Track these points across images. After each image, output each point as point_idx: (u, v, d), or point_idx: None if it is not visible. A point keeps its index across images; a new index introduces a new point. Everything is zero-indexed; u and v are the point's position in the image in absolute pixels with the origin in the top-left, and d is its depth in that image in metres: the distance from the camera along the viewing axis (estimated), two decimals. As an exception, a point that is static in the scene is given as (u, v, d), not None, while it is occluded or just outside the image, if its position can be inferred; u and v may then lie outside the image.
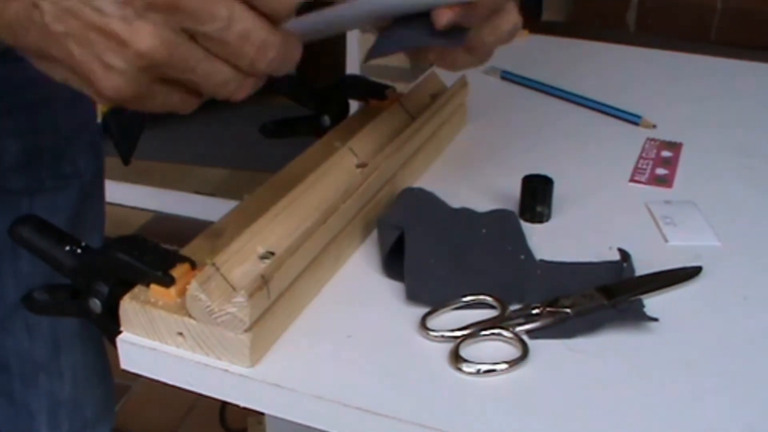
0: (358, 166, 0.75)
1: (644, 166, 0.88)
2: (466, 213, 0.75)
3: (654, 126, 0.97)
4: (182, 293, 0.58)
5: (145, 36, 0.51)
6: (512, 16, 0.67)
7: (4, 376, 0.92)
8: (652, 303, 0.66)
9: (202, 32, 0.52)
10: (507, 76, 1.09)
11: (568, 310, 0.64)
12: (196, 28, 0.52)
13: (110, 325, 0.61)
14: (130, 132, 0.88)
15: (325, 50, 1.19)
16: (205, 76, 0.54)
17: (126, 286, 0.60)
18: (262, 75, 0.56)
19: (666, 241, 0.74)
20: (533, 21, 1.67)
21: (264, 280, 0.58)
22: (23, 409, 0.95)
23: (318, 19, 0.64)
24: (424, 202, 0.73)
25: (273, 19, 0.53)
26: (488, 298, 0.65)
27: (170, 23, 0.51)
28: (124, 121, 0.87)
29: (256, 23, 0.53)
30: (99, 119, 0.95)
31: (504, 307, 0.64)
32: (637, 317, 0.64)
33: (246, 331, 0.57)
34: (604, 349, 0.61)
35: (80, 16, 0.51)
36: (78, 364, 0.98)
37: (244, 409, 0.60)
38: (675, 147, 0.92)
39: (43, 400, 0.95)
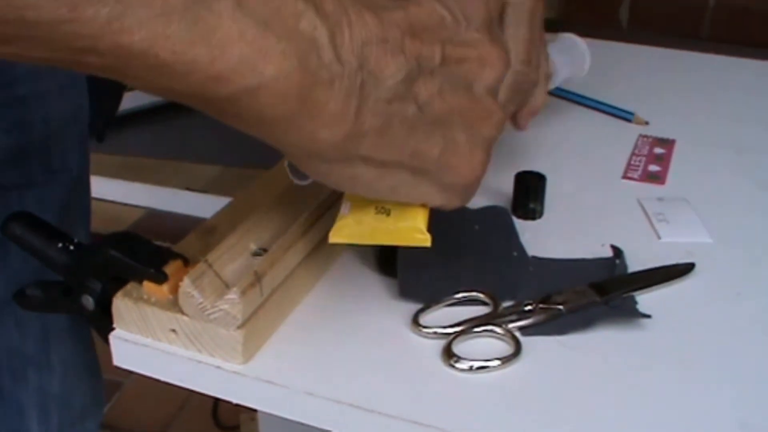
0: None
1: (637, 163, 0.88)
2: (458, 209, 0.75)
3: (646, 123, 0.97)
4: (175, 290, 0.58)
5: (498, 108, 0.56)
6: (542, 96, 0.75)
7: (-7, 371, 0.92)
8: (645, 300, 0.66)
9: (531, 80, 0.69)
10: (500, 73, 1.09)
11: (560, 307, 0.64)
12: (527, 80, 0.69)
13: (103, 322, 0.61)
14: (107, 108, 0.88)
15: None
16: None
17: (119, 283, 0.60)
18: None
19: (659, 237, 0.75)
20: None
21: (257, 277, 0.58)
22: (13, 403, 0.94)
23: None
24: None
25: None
26: (481, 295, 0.65)
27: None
28: (103, 98, 0.86)
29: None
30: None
31: (497, 303, 0.64)
32: (630, 314, 0.64)
33: (239, 327, 0.57)
34: (596, 346, 0.62)
35: (447, 95, 0.53)
36: (67, 358, 0.98)
37: (237, 405, 0.60)
38: (668, 144, 0.92)
39: (33, 395, 0.95)
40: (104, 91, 0.87)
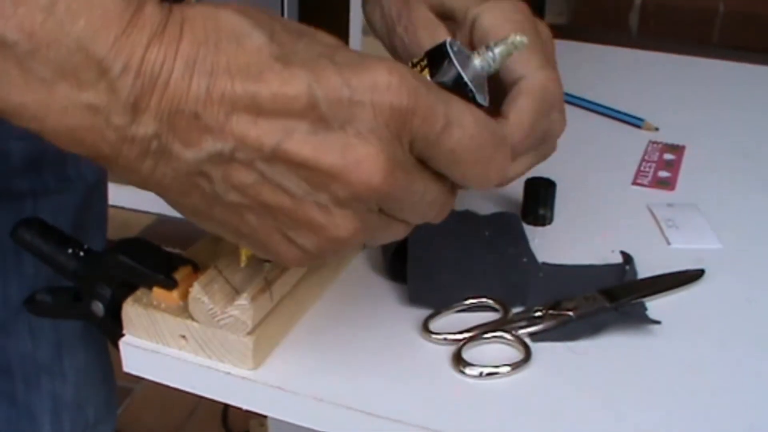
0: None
1: (647, 169, 0.88)
2: (468, 216, 0.75)
3: (656, 129, 0.97)
4: (185, 296, 0.58)
5: (346, 224, 0.48)
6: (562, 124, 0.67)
7: (6, 378, 0.92)
8: (655, 306, 0.65)
9: (396, 207, 0.50)
10: (509, 79, 1.09)
11: (570, 313, 0.64)
12: (393, 207, 0.49)
13: (113, 328, 0.61)
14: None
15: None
16: (381, 239, 0.53)
17: (128, 289, 0.60)
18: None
19: (668, 243, 0.74)
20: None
21: (267, 283, 0.58)
22: (26, 411, 0.94)
23: None
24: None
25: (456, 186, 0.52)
26: (491, 301, 0.65)
27: (371, 207, 0.48)
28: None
29: (442, 189, 0.51)
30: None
31: (506, 309, 0.64)
32: (640, 320, 0.64)
33: (249, 333, 0.57)
34: (606, 352, 0.61)
35: (263, 194, 0.47)
36: (81, 366, 0.98)
37: (247, 411, 0.60)
38: (677, 150, 0.92)
39: (46, 403, 0.95)
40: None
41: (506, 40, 0.53)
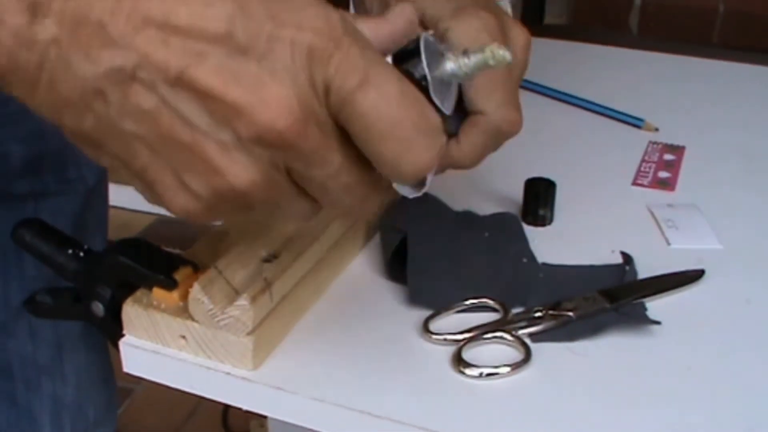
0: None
1: (647, 170, 0.88)
2: (468, 216, 0.75)
3: (656, 129, 0.97)
4: (185, 296, 0.58)
5: (245, 171, 0.44)
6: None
7: (7, 379, 0.92)
8: (655, 306, 0.65)
9: (307, 175, 0.46)
10: (509, 80, 1.09)
11: (570, 314, 0.64)
12: (301, 169, 0.46)
13: (113, 329, 0.61)
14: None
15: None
16: (285, 210, 0.49)
17: (129, 290, 0.61)
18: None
19: (668, 244, 0.74)
20: (535, 24, 1.67)
21: (267, 284, 0.58)
22: (26, 412, 0.94)
23: None
24: (426, 205, 0.73)
25: (379, 176, 0.48)
26: (491, 302, 0.65)
27: (275, 160, 0.45)
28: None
29: (362, 177, 0.47)
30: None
31: (506, 310, 0.64)
32: (640, 320, 0.64)
33: (249, 334, 0.57)
34: (606, 353, 0.61)
35: (161, 123, 0.43)
36: (81, 367, 0.98)
37: (247, 412, 0.60)
38: (677, 150, 0.92)
39: (46, 404, 0.95)
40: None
41: (485, 49, 0.50)
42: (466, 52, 0.50)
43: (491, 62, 0.50)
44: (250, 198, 0.46)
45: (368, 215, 0.50)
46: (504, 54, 0.50)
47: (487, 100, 0.61)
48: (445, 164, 0.64)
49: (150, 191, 0.48)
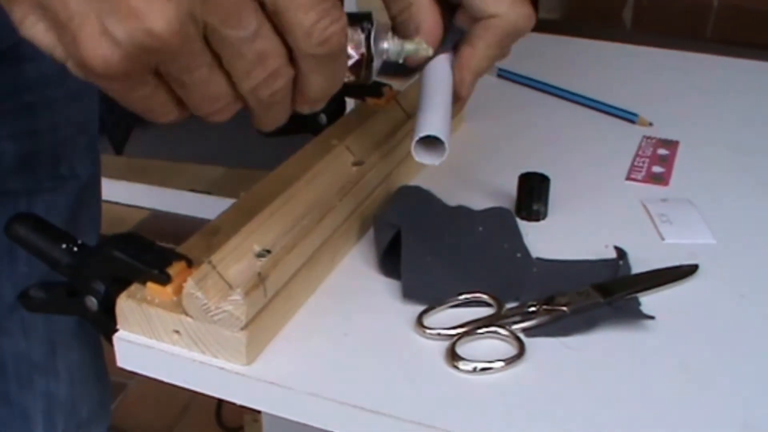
0: (355, 164, 0.74)
1: (641, 164, 0.88)
2: (462, 211, 0.75)
3: (650, 124, 0.97)
4: (178, 291, 0.58)
5: (164, 15, 0.44)
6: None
7: (0, 377, 0.92)
8: (649, 301, 0.66)
9: (223, 35, 0.47)
10: (503, 74, 1.09)
11: (564, 308, 0.64)
12: (218, 27, 0.46)
13: (106, 323, 0.61)
14: (124, 121, 0.89)
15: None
16: (200, 84, 0.49)
17: (122, 284, 0.60)
18: (253, 106, 0.51)
19: (662, 239, 0.74)
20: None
21: (260, 278, 0.58)
22: (19, 410, 0.94)
23: None
24: (420, 200, 0.73)
25: (294, 54, 0.49)
26: (484, 296, 0.65)
27: (194, 11, 0.46)
28: (118, 110, 0.86)
29: (277, 48, 0.48)
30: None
31: (500, 305, 0.64)
32: (634, 315, 0.64)
33: (242, 329, 0.57)
34: (600, 347, 0.62)
35: None
36: (74, 364, 0.98)
37: (241, 407, 0.60)
38: (671, 145, 0.92)
39: (39, 401, 0.95)
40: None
41: (418, 42, 0.63)
42: (406, 38, 0.63)
43: (419, 52, 0.63)
44: (165, 49, 0.46)
45: (274, 119, 0.51)
46: (427, 50, 0.64)
47: (499, 2, 0.68)
48: (457, 80, 0.71)
49: (71, 44, 0.47)
